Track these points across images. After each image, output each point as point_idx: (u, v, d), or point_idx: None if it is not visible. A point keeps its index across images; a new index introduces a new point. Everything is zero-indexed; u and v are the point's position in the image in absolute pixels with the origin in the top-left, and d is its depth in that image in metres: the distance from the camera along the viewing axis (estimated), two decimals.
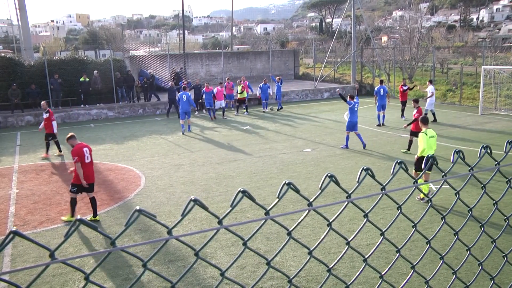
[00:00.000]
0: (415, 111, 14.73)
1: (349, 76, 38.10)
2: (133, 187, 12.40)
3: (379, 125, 20.57)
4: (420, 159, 10.53)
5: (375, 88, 21.53)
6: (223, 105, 23.96)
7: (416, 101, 15.19)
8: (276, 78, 26.63)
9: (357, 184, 1.81)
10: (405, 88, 21.93)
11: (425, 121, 10.62)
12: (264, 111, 25.59)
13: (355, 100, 16.03)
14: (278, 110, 26.13)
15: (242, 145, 17.23)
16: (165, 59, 30.83)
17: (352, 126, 16.12)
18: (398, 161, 1.99)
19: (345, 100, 16.06)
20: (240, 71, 39.85)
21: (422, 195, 10.55)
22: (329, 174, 1.70)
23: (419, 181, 11.02)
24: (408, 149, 15.31)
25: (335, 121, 21.99)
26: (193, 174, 13.43)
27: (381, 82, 21.89)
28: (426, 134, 10.33)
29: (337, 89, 18.69)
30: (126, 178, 13.32)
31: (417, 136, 13.20)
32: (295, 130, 20.08)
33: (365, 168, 1.81)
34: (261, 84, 26.13)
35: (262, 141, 17.84)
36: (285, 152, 15.92)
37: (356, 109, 16.02)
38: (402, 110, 22.17)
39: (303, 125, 21.20)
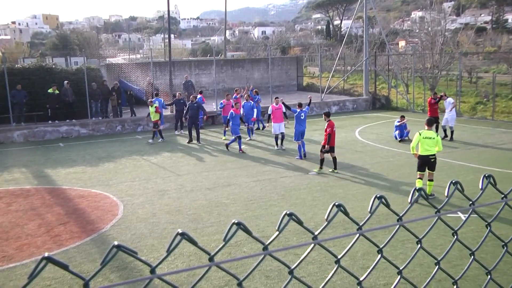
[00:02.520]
0: (325, 124, 16.04)
1: (360, 87, 38.40)
2: (109, 216, 12.36)
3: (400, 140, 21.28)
4: (419, 158, 12.90)
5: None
6: (283, 130, 20.22)
7: (327, 114, 16.33)
8: (253, 92, 24.97)
9: (369, 214, 1.83)
10: (435, 100, 21.51)
11: (428, 122, 13.01)
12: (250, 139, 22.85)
13: (304, 109, 18.18)
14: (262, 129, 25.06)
15: (237, 167, 17.25)
16: (148, 67, 31.04)
17: (299, 134, 18.01)
18: (417, 188, 2.00)
19: (289, 108, 18.60)
20: (235, 82, 40.14)
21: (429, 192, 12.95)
22: (336, 203, 1.72)
23: (417, 182, 13.00)
24: (321, 167, 16.36)
25: (345, 139, 22.06)
26: (180, 202, 13.40)
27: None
28: (420, 134, 12.71)
29: (281, 98, 20.65)
30: (101, 206, 13.28)
31: (332, 152, 16.06)
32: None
33: (378, 196, 1.82)
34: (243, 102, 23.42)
35: (260, 163, 17.86)
36: (287, 175, 15.93)
37: (302, 117, 17.97)
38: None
39: (308, 143, 21.25)
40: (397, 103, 33.15)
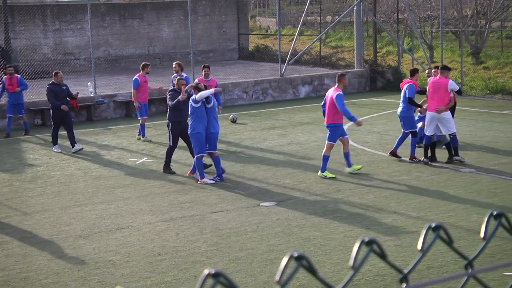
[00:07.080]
0: None
1: (349, 52, 38.94)
2: None
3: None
4: None
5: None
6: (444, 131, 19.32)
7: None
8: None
9: (352, 271, 1.84)
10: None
11: None
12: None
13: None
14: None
15: (135, 197, 17.24)
16: None
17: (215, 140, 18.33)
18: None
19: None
20: (128, 44, 39.87)
21: None
22: (296, 254, 1.73)
23: None
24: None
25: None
26: (27, 263, 13.16)
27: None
28: None
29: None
30: None
31: None
32: (242, 164, 20.27)
33: (367, 240, 1.84)
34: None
35: (175, 188, 17.86)
36: (222, 209, 15.97)
37: (210, 106, 18.21)
38: None
39: (258, 153, 21.37)
40: None
